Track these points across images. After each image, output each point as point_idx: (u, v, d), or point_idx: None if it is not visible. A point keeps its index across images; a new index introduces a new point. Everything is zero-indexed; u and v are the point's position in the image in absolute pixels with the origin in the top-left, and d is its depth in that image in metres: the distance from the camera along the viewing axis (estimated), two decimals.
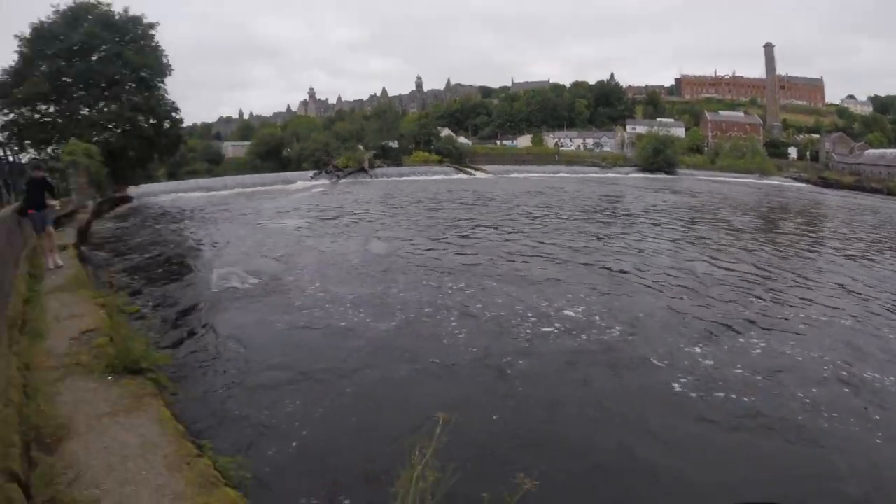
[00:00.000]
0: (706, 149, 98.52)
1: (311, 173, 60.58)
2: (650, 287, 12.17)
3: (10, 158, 15.15)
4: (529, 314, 9.96)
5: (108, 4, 43.30)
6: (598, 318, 9.80)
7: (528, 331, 9.18)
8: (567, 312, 10.06)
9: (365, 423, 6.31)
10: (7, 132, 38.76)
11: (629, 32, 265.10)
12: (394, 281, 12.61)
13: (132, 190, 43.45)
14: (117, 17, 43.37)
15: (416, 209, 28.77)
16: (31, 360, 5.48)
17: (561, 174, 66.87)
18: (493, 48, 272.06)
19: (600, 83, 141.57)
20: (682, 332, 9.28)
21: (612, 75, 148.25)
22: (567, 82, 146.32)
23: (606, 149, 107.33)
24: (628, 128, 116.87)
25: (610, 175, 68.78)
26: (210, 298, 11.74)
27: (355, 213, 27.10)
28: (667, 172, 72.00)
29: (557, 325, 9.42)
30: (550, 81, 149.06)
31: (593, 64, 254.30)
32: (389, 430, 5.94)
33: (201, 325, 10.06)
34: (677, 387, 7.08)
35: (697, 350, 8.36)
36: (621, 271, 13.49)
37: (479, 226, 21.43)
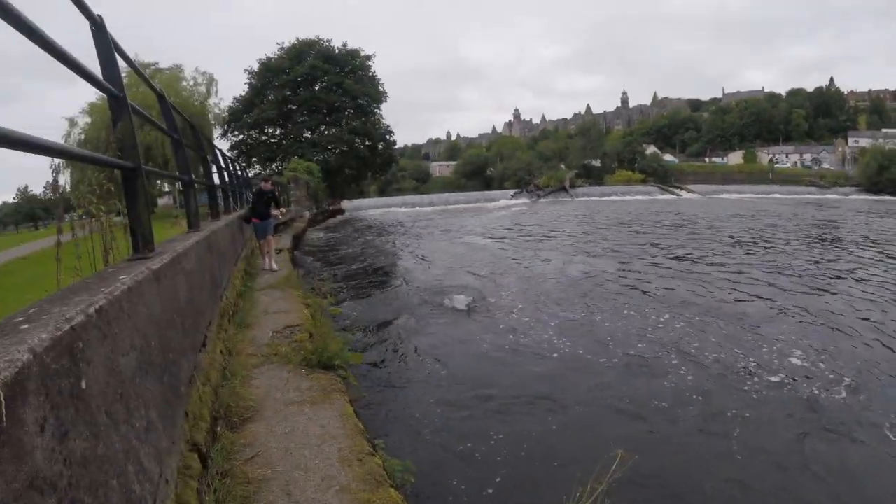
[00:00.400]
0: None
1: (511, 192, 61.93)
2: (881, 335, 9.84)
3: (239, 172, 16.78)
4: (750, 359, 8.54)
5: (329, 40, 48.66)
6: (826, 370, 8.16)
7: (754, 381, 7.82)
8: (792, 360, 8.49)
9: (566, 461, 5.57)
10: (236, 150, 44.52)
11: (849, 28, 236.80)
12: (597, 308, 11.70)
13: (345, 204, 47.62)
14: (337, 51, 48.57)
15: (616, 231, 27.45)
16: (235, 347, 5.88)
17: (775, 195, 60.86)
18: (703, 57, 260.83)
19: (818, 90, 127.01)
20: None
21: (831, 80, 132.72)
22: (782, 90, 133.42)
23: (825, 165, 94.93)
24: (850, 140, 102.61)
25: (829, 196, 60.63)
26: (413, 310, 11.63)
27: (554, 233, 26.55)
28: (892, 194, 60.91)
29: (782, 375, 7.91)
30: (765, 90, 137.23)
31: (811, 66, 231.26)
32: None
33: (402, 334, 9.97)
34: None
35: None
36: (844, 314, 11.15)
37: (683, 252, 19.64)
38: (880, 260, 17.58)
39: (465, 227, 30.07)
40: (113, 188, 4.24)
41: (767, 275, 15.01)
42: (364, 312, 11.72)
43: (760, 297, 12.55)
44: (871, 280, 14.33)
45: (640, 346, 9.21)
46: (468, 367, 8.40)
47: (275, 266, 11.37)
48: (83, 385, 1.72)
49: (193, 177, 6.73)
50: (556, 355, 8.86)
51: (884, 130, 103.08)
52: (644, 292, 13.10)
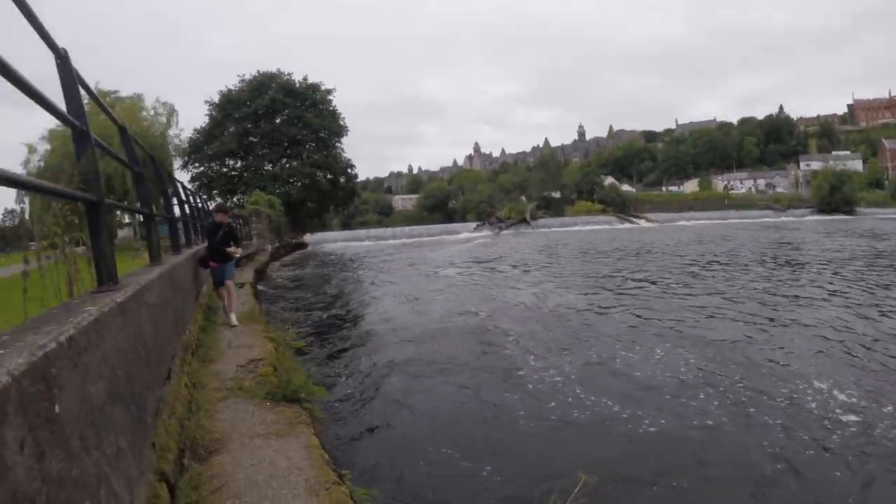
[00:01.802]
0: (886, 182, 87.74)
1: (473, 224, 62.43)
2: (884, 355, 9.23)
3: (199, 205, 16.06)
4: (801, 397, 7.41)
5: (290, 74, 49.00)
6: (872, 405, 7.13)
7: (819, 424, 6.63)
8: (838, 396, 7.41)
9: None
10: (197, 182, 44.19)
11: (795, 59, 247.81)
12: (609, 347, 10.14)
13: (308, 237, 47.37)
14: (298, 84, 48.83)
15: (583, 261, 26.89)
16: (199, 380, 5.84)
17: (731, 220, 63.11)
18: (656, 89, 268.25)
19: (769, 118, 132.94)
20: None
21: (780, 108, 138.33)
22: (734, 119, 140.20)
23: (779, 189, 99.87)
24: (801, 164, 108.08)
25: (783, 219, 63.37)
26: (402, 363, 9.69)
27: (526, 265, 25.73)
28: (845, 213, 65.32)
29: (840, 413, 6.88)
30: (716, 119, 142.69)
31: (760, 96, 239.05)
32: None
33: (388, 383, 8.55)
34: None
35: None
36: (852, 339, 10.33)
37: (662, 280, 18.91)
38: (857, 280, 17.25)
39: (434, 260, 29.58)
40: (76, 220, 4.26)
41: (750, 299, 14.68)
42: (332, 348, 10.82)
43: (758, 323, 11.85)
44: (853, 298, 14.14)
45: (678, 393, 7.83)
46: (448, 409, 7.41)
47: (234, 321, 9.23)
48: (57, 409, 1.77)
49: (154, 210, 6.73)
50: (584, 413, 7.18)
51: (834, 153, 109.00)
52: (649, 323, 12.05)
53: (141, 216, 7.39)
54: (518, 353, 10.04)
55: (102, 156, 4.17)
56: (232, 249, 9.58)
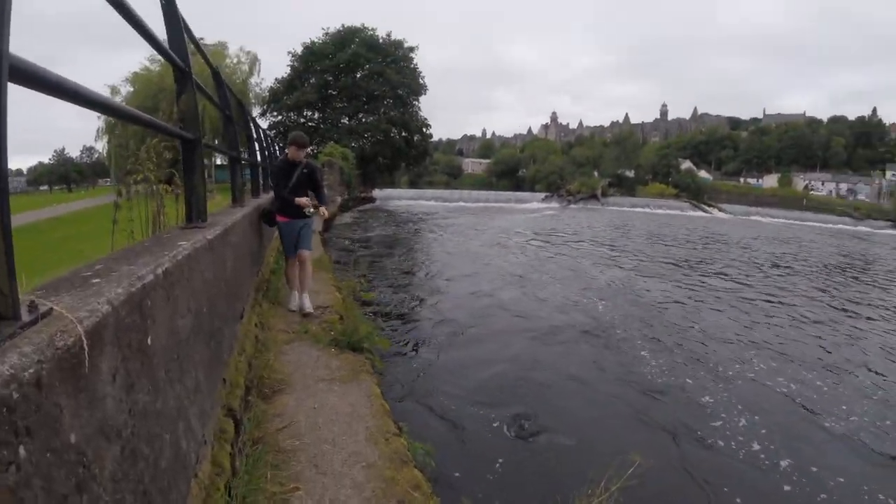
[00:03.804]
0: None
1: (542, 195, 61.84)
2: None
3: (278, 153, 14.90)
4: None
5: (374, 29, 49.28)
6: None
7: None
8: None
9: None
10: (274, 131, 45.37)
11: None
12: (762, 367, 8.36)
13: (376, 192, 48.13)
14: (381, 40, 49.14)
15: (658, 245, 25.93)
16: (267, 322, 6.03)
17: (808, 223, 57.94)
18: (746, 75, 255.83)
19: (860, 119, 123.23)
20: None
21: (873, 110, 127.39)
22: (823, 116, 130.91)
23: (861, 197, 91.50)
24: (889, 174, 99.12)
25: (861, 228, 57.67)
26: (456, 319, 9.99)
27: (600, 243, 24.95)
28: None
29: None
30: (806, 114, 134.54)
31: (853, 95, 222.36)
32: None
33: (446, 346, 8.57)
34: None
35: None
36: None
37: (747, 279, 17.09)
38: None
39: (505, 228, 29.40)
40: (169, 156, 4.39)
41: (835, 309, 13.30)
42: (396, 305, 10.77)
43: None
44: None
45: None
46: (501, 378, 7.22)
47: (308, 307, 6.70)
48: (149, 341, 1.82)
49: (241, 153, 6.86)
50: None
51: None
52: (755, 334, 10.51)
53: (221, 158, 7.50)
54: (664, 373, 7.98)
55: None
56: (304, 201, 6.60)
